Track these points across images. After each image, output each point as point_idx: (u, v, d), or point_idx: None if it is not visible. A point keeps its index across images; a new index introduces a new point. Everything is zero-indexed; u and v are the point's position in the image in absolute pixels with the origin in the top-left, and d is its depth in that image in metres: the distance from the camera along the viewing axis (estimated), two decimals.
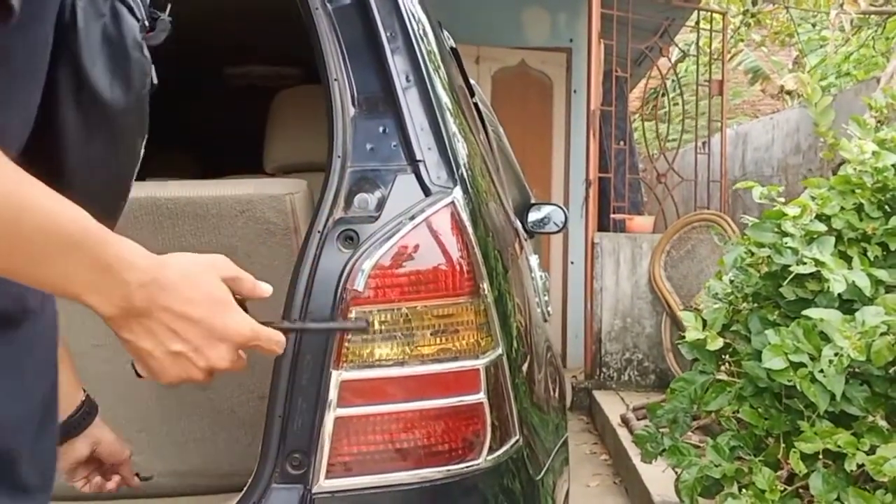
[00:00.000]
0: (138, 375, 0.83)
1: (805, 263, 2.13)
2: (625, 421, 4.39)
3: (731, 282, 2.46)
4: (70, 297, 0.71)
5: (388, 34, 1.20)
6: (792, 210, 2.29)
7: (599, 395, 5.26)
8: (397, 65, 1.19)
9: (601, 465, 4.43)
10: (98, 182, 0.76)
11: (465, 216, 1.15)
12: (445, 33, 1.75)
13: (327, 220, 1.12)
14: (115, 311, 0.73)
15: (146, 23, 0.77)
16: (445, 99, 1.26)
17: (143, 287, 0.73)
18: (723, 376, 2.38)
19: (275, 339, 0.84)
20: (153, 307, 0.75)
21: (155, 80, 0.79)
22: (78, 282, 0.69)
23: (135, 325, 0.75)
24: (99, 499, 1.57)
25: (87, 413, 1.10)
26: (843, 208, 2.31)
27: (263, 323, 0.83)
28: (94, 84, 0.69)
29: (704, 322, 2.40)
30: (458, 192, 1.16)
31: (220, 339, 0.79)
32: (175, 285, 0.77)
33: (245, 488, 1.10)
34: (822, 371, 2.00)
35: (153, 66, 0.79)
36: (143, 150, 0.81)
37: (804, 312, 2.08)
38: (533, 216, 2.97)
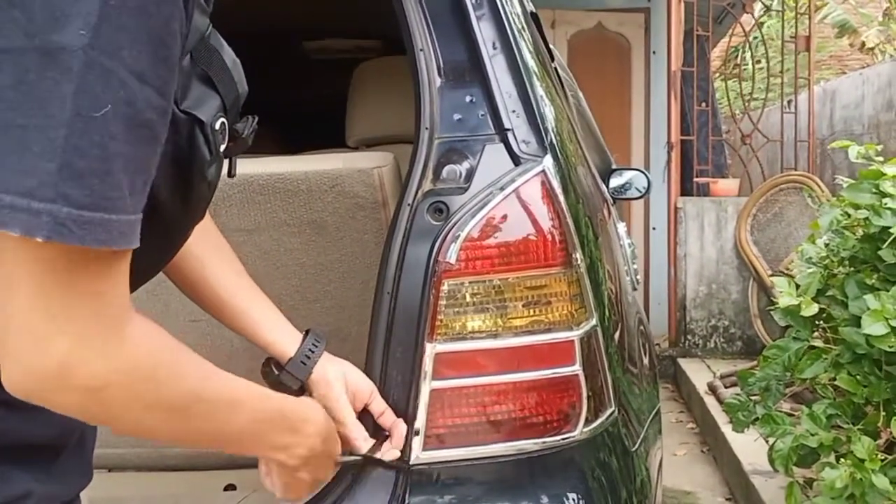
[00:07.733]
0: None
1: None
2: (712, 389, 4.32)
3: (826, 245, 2.37)
4: (260, 456, 0.87)
5: (474, 1, 1.17)
6: (891, 169, 2.19)
7: (684, 363, 5.18)
8: (483, 32, 1.16)
9: (688, 434, 4.37)
10: (143, 261, 0.74)
11: (555, 184, 1.12)
12: None
13: (417, 191, 1.11)
14: (299, 462, 0.86)
15: (220, 154, 0.74)
16: (532, 64, 1.23)
17: (323, 439, 0.88)
18: (818, 343, 2.30)
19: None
20: (323, 451, 0.89)
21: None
22: (272, 447, 0.83)
23: (307, 465, 0.88)
24: (194, 468, 1.60)
25: (318, 338, 1.06)
26: None
27: None
28: (155, 189, 0.66)
29: (797, 287, 2.33)
30: (548, 161, 1.13)
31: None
32: (331, 429, 0.92)
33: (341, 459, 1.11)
34: None
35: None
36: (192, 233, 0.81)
37: None
38: (614, 182, 2.91)
